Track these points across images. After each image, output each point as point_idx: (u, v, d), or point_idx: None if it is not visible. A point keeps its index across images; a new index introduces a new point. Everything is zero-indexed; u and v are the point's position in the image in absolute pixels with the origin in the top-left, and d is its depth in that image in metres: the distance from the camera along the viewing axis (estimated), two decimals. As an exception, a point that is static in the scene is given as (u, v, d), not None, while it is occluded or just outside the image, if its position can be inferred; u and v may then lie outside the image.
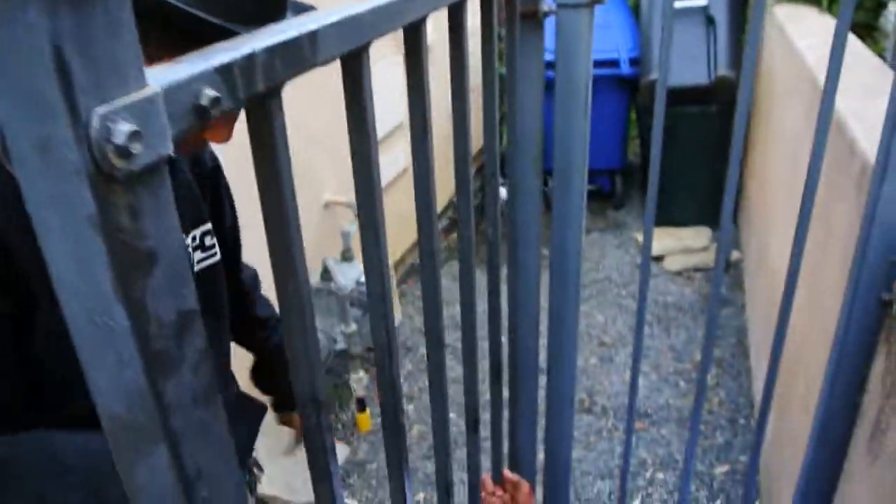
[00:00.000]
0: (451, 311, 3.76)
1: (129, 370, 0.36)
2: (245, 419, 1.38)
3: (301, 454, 3.01)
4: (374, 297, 0.61)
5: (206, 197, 1.18)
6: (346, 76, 0.52)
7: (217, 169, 1.22)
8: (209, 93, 0.36)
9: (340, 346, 2.72)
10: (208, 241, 1.15)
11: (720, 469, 2.79)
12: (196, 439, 0.39)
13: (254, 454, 1.54)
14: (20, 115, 0.29)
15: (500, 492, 1.29)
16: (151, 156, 0.33)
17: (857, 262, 1.27)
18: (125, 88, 0.31)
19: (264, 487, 2.68)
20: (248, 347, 1.55)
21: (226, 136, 0.89)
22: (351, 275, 2.80)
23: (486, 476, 1.29)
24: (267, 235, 0.47)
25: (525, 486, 1.31)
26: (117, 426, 0.38)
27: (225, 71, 0.37)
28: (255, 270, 1.47)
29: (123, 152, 0.31)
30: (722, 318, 3.63)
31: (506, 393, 1.27)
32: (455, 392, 3.16)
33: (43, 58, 0.28)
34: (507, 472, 1.28)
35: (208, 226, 1.15)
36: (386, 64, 3.24)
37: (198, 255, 1.13)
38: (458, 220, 0.82)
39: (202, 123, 0.37)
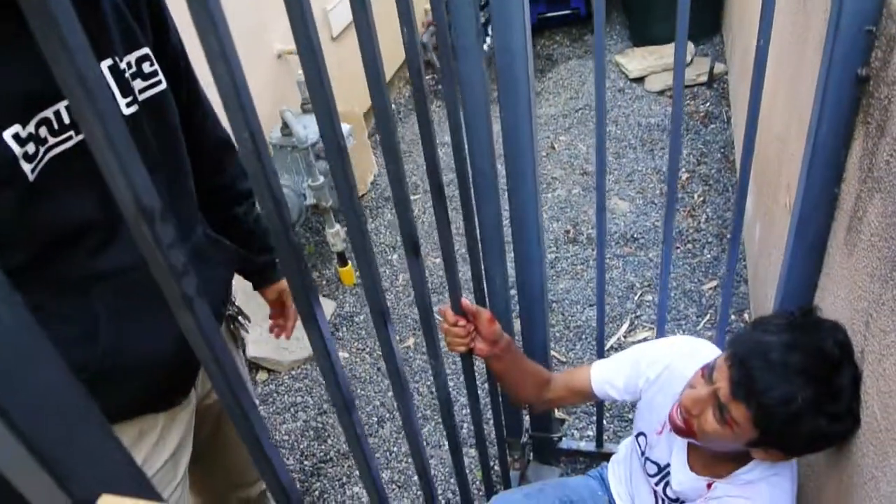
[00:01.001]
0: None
1: None
2: (218, 263, 1.30)
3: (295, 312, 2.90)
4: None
5: (144, 21, 1.10)
6: None
7: None
8: None
9: (310, 200, 2.63)
10: (147, 67, 1.09)
11: (709, 285, 2.77)
12: None
13: (235, 301, 1.47)
14: None
15: (462, 321, 1.24)
16: None
17: (830, 35, 1.15)
18: None
19: (253, 350, 2.67)
20: (220, 225, 1.38)
21: None
22: (313, 126, 2.66)
23: (446, 308, 1.23)
24: None
25: (485, 313, 1.25)
26: None
27: None
28: (228, 136, 1.33)
29: None
30: (707, 133, 3.51)
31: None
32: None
33: None
34: (465, 301, 1.22)
35: (145, 51, 1.08)
36: None
37: (138, 83, 1.07)
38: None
39: None
